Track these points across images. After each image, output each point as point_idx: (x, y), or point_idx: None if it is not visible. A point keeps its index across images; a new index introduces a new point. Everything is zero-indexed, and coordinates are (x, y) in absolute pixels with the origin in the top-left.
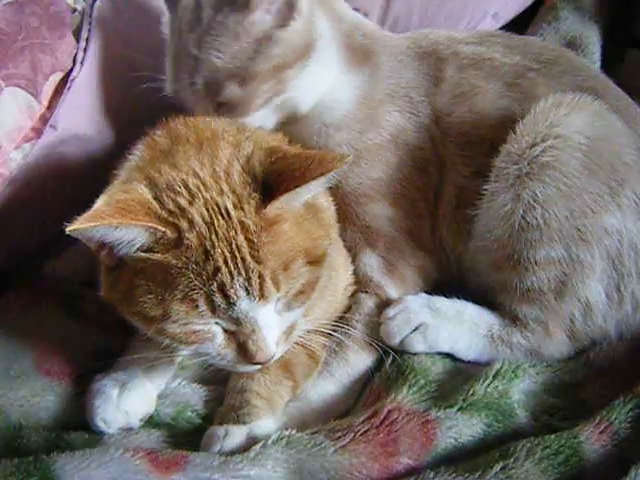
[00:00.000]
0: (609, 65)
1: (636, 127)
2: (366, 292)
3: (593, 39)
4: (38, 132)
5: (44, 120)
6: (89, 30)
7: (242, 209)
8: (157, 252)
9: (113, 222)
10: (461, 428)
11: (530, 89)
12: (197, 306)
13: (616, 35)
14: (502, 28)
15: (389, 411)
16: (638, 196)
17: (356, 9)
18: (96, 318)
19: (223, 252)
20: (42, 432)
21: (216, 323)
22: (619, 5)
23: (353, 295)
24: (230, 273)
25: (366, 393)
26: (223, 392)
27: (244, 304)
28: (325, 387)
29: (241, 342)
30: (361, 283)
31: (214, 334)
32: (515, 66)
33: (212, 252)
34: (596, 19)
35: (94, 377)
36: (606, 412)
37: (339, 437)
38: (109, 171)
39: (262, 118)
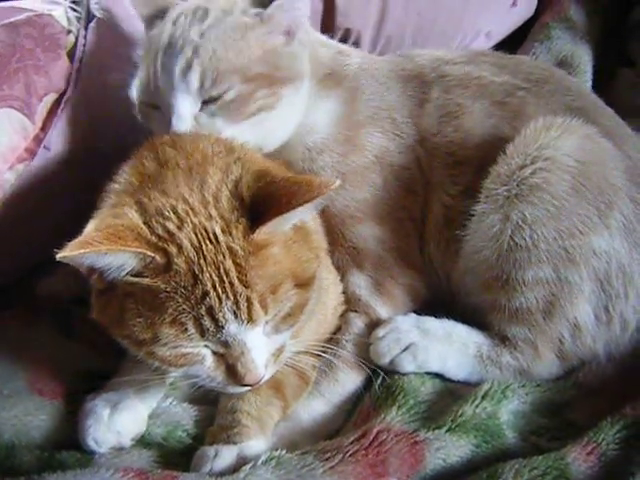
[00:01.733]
0: (600, 84)
1: (625, 148)
2: (355, 312)
3: (584, 58)
4: (32, 153)
5: (38, 141)
6: (83, 51)
7: (230, 234)
8: (146, 277)
9: (102, 249)
10: (449, 449)
11: (519, 108)
12: (186, 329)
13: (607, 54)
14: (495, 47)
15: (378, 432)
16: (626, 217)
17: (348, 29)
18: (88, 338)
19: (211, 277)
20: (34, 451)
21: (205, 346)
22: (610, 26)
23: (343, 315)
24: (218, 297)
25: (356, 413)
26: (214, 412)
27: (232, 327)
28: (315, 407)
29: (230, 364)
30: (350, 303)
31: (203, 357)
32: (504, 85)
33: (201, 277)
34: (587, 39)
35: (86, 397)
36: (593, 433)
37: (328, 458)
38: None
39: (247, 130)
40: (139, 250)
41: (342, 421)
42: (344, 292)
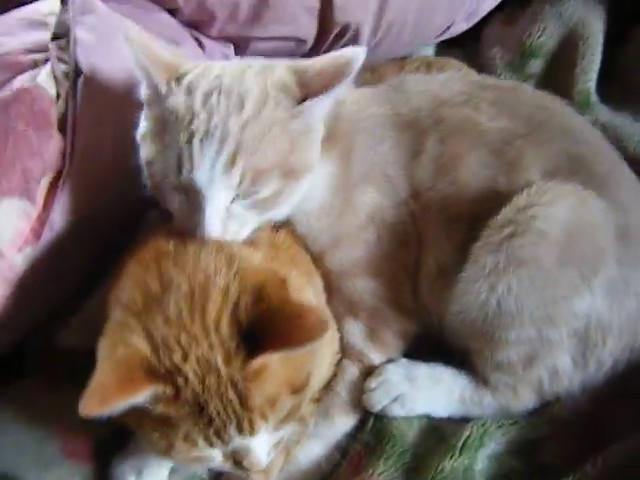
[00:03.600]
0: (611, 50)
1: (618, 195)
2: (350, 359)
3: (595, 27)
4: (37, 234)
5: (41, 221)
6: (74, 117)
7: (230, 365)
8: (158, 404)
9: (120, 402)
10: None
11: (516, 159)
12: (197, 443)
13: (621, 10)
14: (505, 4)
15: None
16: (610, 278)
17: (347, 23)
18: None
19: (216, 406)
20: None
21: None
22: None
23: (338, 362)
24: (223, 422)
25: (348, 456)
26: None
27: (237, 440)
28: (313, 449)
29: (237, 460)
30: (345, 349)
31: (214, 457)
32: (502, 131)
33: (206, 406)
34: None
35: (113, 460)
36: None
37: None
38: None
39: (269, 217)
40: (152, 388)
41: (337, 457)
42: (340, 339)
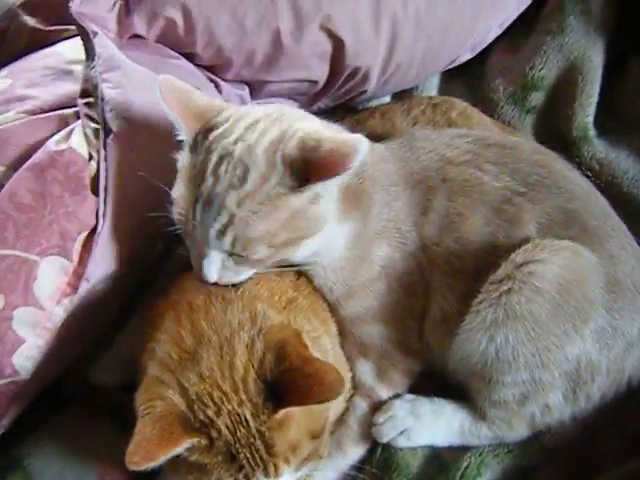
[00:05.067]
0: (610, 82)
1: (609, 248)
2: (360, 396)
3: (596, 61)
4: (74, 287)
5: (77, 275)
6: (105, 178)
7: (258, 418)
8: (193, 454)
9: (162, 455)
10: None
11: (515, 216)
12: None
13: (620, 40)
14: (509, 29)
15: None
16: (599, 325)
17: (359, 67)
18: None
19: (246, 455)
20: None
21: None
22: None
23: (349, 399)
24: (251, 467)
25: None
26: None
27: None
28: (327, 477)
29: None
30: (356, 386)
31: None
32: (503, 190)
33: (236, 455)
34: (602, 30)
35: None
36: None
37: None
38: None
39: (268, 269)
40: (190, 442)
41: None
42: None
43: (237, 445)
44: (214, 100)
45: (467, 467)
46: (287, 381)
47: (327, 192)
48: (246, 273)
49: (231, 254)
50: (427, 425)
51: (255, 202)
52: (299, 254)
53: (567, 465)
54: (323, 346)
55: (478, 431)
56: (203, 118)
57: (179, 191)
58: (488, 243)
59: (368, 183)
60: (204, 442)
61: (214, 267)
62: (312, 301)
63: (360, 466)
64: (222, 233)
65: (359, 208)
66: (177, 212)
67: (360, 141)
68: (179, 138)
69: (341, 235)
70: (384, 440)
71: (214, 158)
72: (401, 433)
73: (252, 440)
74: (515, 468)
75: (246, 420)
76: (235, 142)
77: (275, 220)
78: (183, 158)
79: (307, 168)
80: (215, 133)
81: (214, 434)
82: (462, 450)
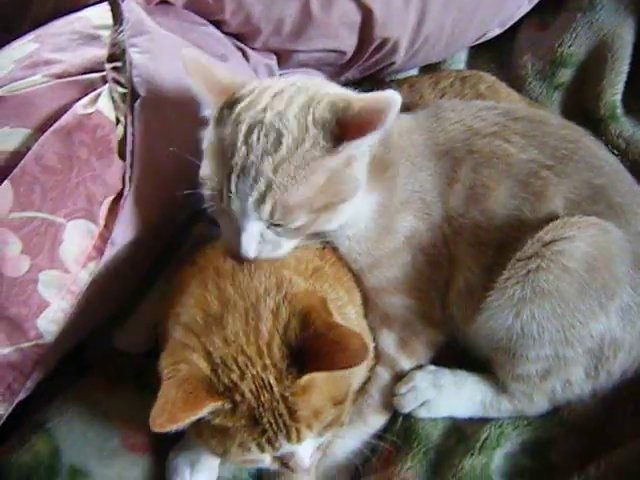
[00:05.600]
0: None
1: (636, 223)
2: (383, 366)
3: (625, 40)
4: (99, 250)
5: (103, 239)
6: (132, 142)
7: (282, 383)
8: (217, 417)
9: (186, 419)
10: None
11: (541, 190)
12: (250, 449)
13: None
14: (538, 5)
15: None
16: (625, 302)
17: (387, 38)
18: None
19: (269, 419)
20: None
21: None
22: None
23: (372, 368)
24: (274, 432)
25: (378, 452)
26: None
27: (286, 447)
28: (348, 444)
29: (283, 462)
30: (379, 356)
31: (263, 459)
32: (530, 162)
33: (260, 419)
34: (634, 6)
35: (170, 453)
36: None
37: None
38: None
39: (305, 238)
40: (213, 405)
41: (369, 450)
42: (375, 347)
43: (260, 409)
44: (236, 76)
45: (487, 438)
46: (311, 347)
47: (360, 154)
48: (285, 247)
49: (270, 225)
50: (448, 397)
51: (292, 166)
52: (336, 221)
53: (585, 439)
54: (347, 315)
55: (499, 404)
56: (227, 92)
57: (209, 169)
58: (513, 216)
59: (394, 153)
60: (227, 406)
61: (253, 241)
62: (337, 270)
63: (381, 434)
64: (261, 201)
65: (385, 178)
66: (208, 190)
67: (393, 96)
68: (204, 114)
69: (368, 205)
70: (405, 411)
71: (244, 128)
72: (422, 404)
73: (275, 405)
74: (534, 441)
75: (270, 385)
76: (264, 110)
77: (313, 184)
78: (209, 135)
79: (340, 128)
80: (241, 105)
81: (238, 398)
82: (482, 422)
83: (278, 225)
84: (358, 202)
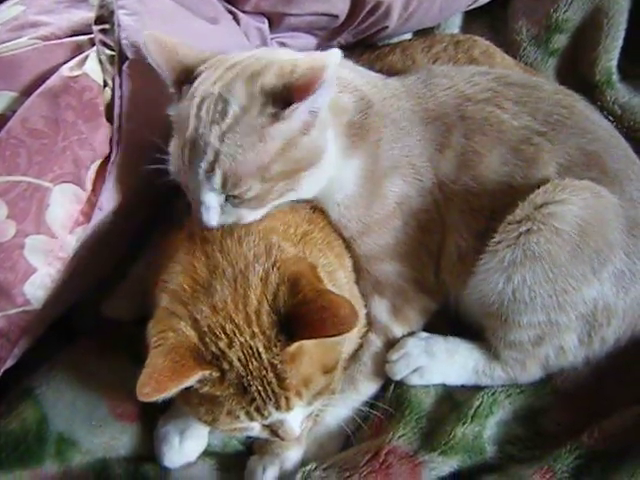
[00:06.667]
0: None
1: (630, 190)
2: (375, 333)
3: (622, 5)
4: (87, 215)
5: (91, 204)
6: (120, 105)
7: (271, 350)
8: (205, 386)
9: (173, 388)
10: (441, 467)
11: (533, 156)
12: (239, 417)
13: None
14: None
15: (386, 454)
16: (618, 268)
17: (380, 2)
18: None
19: (257, 387)
20: (123, 464)
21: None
22: None
23: (363, 335)
24: (263, 400)
25: (370, 420)
26: None
27: (275, 415)
28: (339, 412)
29: (273, 430)
30: (370, 323)
31: (252, 428)
32: (522, 129)
33: (248, 387)
34: None
35: (158, 421)
36: (553, 460)
37: (347, 476)
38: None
39: (270, 209)
40: (200, 374)
41: (361, 418)
42: (367, 314)
43: (249, 377)
44: (204, 52)
45: (479, 406)
46: (300, 314)
47: (318, 121)
48: (248, 217)
49: (226, 197)
50: (441, 364)
51: (238, 134)
52: (303, 189)
53: (577, 407)
54: (338, 280)
55: (491, 371)
56: (186, 71)
57: (172, 145)
58: (505, 183)
59: (374, 118)
60: (215, 374)
61: (213, 212)
62: (327, 234)
63: (372, 402)
64: (210, 171)
65: (366, 142)
66: (172, 165)
67: (330, 54)
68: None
69: (350, 170)
70: (397, 377)
71: (196, 102)
72: (414, 371)
73: (264, 373)
74: (526, 408)
75: (258, 352)
76: (214, 83)
77: (264, 152)
78: (173, 111)
79: (288, 93)
80: (199, 80)
81: (226, 366)
82: (474, 389)
83: (234, 197)
84: (329, 169)
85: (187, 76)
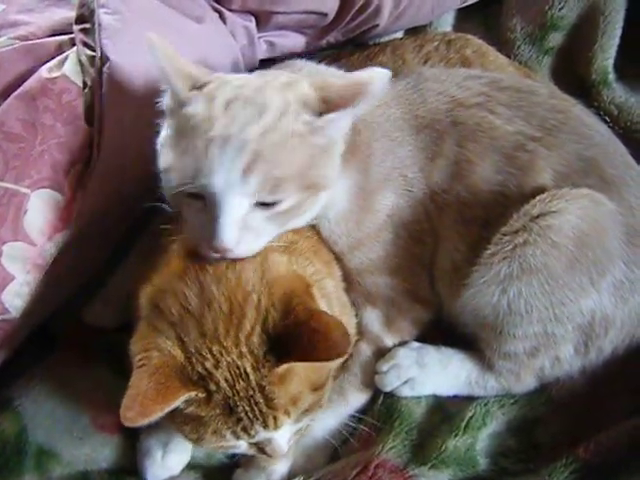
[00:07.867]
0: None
1: (628, 197)
2: (365, 342)
3: (618, 2)
4: (66, 222)
5: (70, 210)
6: (101, 108)
7: (259, 371)
8: (190, 406)
9: (159, 411)
10: None
11: (528, 164)
12: (225, 437)
13: None
14: None
15: (376, 467)
16: (617, 279)
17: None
18: None
19: (244, 408)
20: (105, 476)
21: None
22: None
23: (354, 344)
24: (250, 420)
25: (358, 433)
26: None
27: (262, 434)
28: (327, 423)
29: (260, 447)
30: (362, 333)
31: (239, 446)
32: (516, 135)
33: (235, 408)
34: None
35: (141, 434)
36: (548, 474)
37: None
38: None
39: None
40: (187, 395)
41: (349, 430)
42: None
43: (236, 398)
44: (202, 67)
45: (472, 417)
46: (291, 335)
47: (339, 139)
48: (267, 236)
49: (256, 203)
50: (433, 375)
51: (277, 137)
52: (316, 206)
53: (573, 418)
54: (326, 289)
55: (485, 382)
56: (191, 78)
57: (171, 158)
58: (499, 192)
59: (365, 133)
60: (201, 395)
61: (234, 225)
62: (314, 243)
63: (361, 417)
64: (248, 172)
65: (357, 158)
66: (171, 178)
67: (381, 74)
68: (164, 105)
69: (342, 187)
70: (387, 389)
71: (220, 102)
72: (405, 382)
73: (251, 393)
74: (521, 419)
75: (246, 373)
76: (240, 87)
77: (300, 161)
78: (168, 124)
79: (323, 103)
80: (210, 86)
81: (212, 387)
82: (467, 400)
83: (265, 205)
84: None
85: (191, 81)
